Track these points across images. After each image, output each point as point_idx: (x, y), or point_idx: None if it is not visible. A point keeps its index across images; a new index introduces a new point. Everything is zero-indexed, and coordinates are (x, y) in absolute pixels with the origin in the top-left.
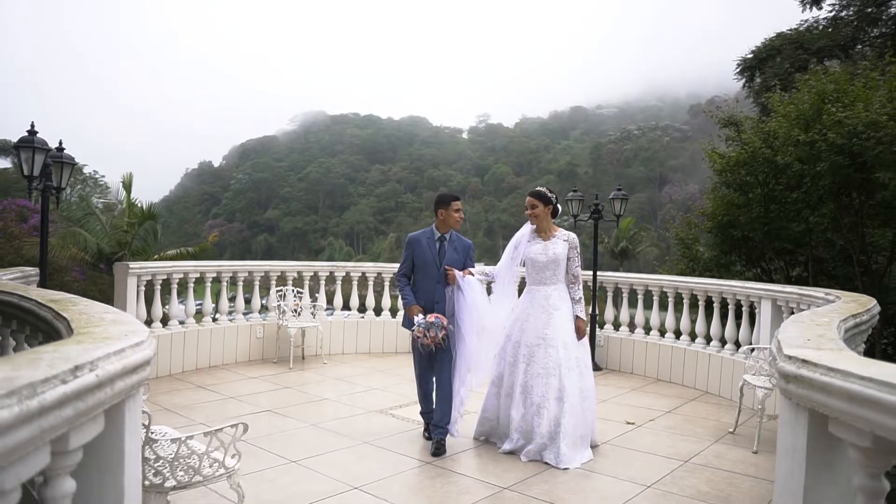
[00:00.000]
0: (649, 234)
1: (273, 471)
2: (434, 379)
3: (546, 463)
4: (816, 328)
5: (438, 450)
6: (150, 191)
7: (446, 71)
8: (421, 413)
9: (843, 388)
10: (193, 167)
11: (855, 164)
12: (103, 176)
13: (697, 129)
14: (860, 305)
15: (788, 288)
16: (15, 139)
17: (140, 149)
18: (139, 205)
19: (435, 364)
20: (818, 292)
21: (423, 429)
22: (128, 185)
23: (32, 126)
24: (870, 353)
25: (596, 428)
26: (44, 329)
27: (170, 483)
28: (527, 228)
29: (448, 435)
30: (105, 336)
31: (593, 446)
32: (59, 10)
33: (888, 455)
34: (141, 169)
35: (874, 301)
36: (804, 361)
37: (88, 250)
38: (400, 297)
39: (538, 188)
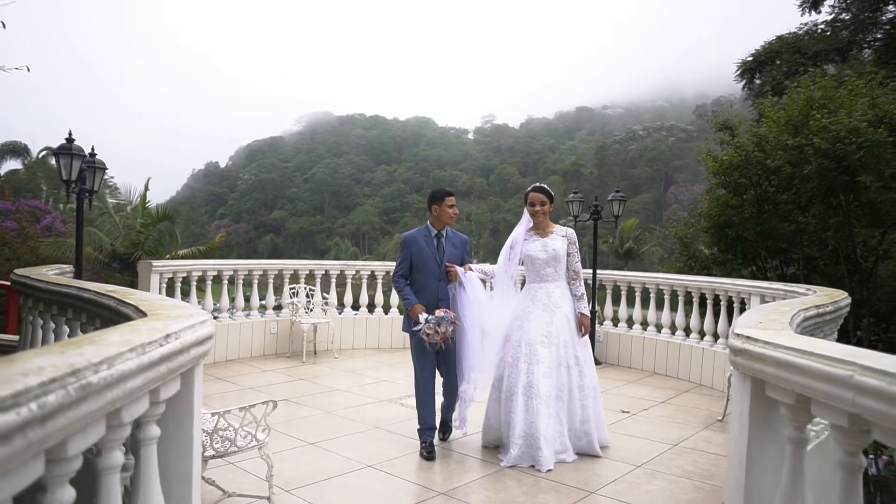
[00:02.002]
0: (654, 234)
1: (292, 451)
2: (441, 377)
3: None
4: (774, 315)
5: (445, 433)
6: (158, 192)
7: (452, 71)
8: (420, 430)
9: (774, 356)
10: (200, 168)
11: (840, 167)
12: (112, 177)
13: (703, 130)
14: (828, 298)
15: (775, 284)
16: (21, 141)
17: (147, 150)
18: (154, 206)
19: (442, 361)
20: (800, 288)
21: (420, 447)
22: (146, 188)
23: (70, 134)
24: (859, 344)
25: (604, 425)
26: (103, 315)
27: (209, 452)
28: (521, 227)
29: (456, 428)
30: (175, 315)
31: (603, 446)
32: (60, 12)
33: (807, 411)
34: (148, 170)
35: (844, 294)
36: (748, 338)
37: (103, 250)
38: (400, 298)
39: (542, 185)
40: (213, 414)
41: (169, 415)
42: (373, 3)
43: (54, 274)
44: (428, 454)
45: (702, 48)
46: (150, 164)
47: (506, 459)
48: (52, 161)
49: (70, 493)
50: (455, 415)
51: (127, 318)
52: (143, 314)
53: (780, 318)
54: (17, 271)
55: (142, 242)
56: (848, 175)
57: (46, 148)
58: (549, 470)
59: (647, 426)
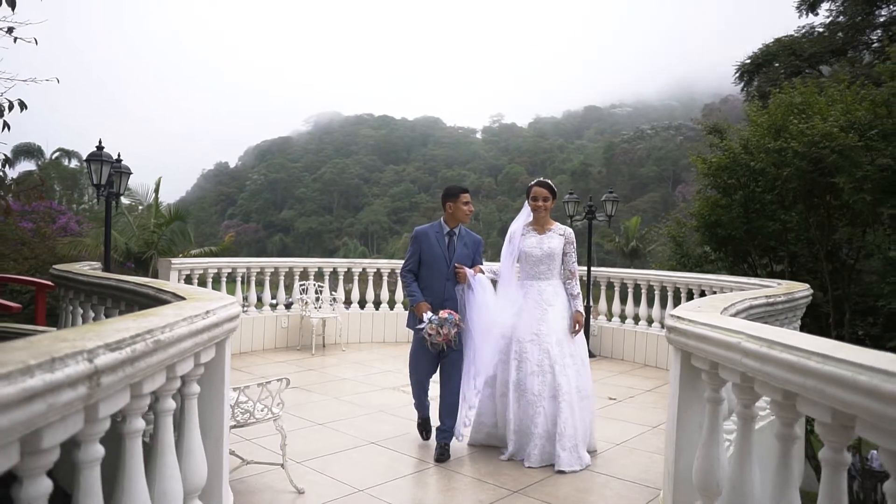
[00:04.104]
0: (660, 232)
1: (303, 430)
2: (440, 381)
3: (548, 465)
4: (716, 302)
5: (443, 455)
6: (168, 192)
7: (460, 71)
8: (417, 420)
9: (694, 331)
10: (210, 168)
11: (817, 169)
12: None
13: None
14: (784, 290)
15: (753, 280)
16: (35, 143)
17: (157, 151)
18: (165, 206)
19: (443, 365)
20: (772, 282)
21: (415, 426)
22: (156, 189)
23: (100, 142)
24: (840, 338)
25: (594, 431)
26: (141, 303)
27: (231, 423)
28: (520, 221)
29: (454, 438)
30: (209, 298)
31: (590, 451)
32: (64, 16)
33: (717, 375)
34: (158, 171)
35: (803, 288)
36: (678, 317)
37: (117, 249)
38: (405, 293)
39: (546, 180)
40: (234, 389)
41: (206, 377)
42: (381, 3)
43: (88, 269)
44: (426, 434)
45: (711, 46)
46: (160, 165)
47: (505, 454)
48: (66, 162)
49: (142, 423)
50: (457, 421)
51: (166, 303)
52: (182, 298)
53: (719, 305)
54: (56, 267)
55: (155, 242)
56: (824, 177)
57: (59, 149)
58: (531, 466)
59: (631, 411)
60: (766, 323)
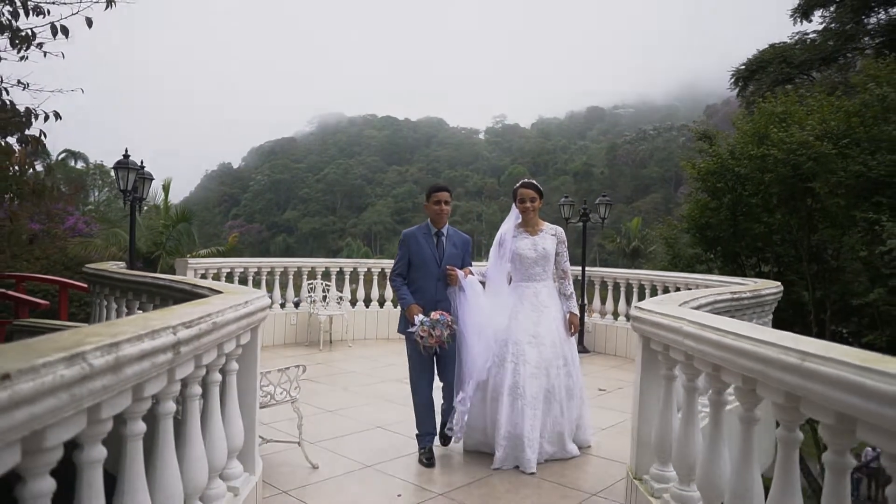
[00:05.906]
0: (655, 234)
1: (313, 416)
2: (440, 381)
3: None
4: (682, 297)
5: (445, 441)
6: (172, 193)
7: (463, 72)
8: (419, 435)
9: (651, 319)
10: (213, 169)
11: (796, 175)
12: None
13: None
14: (751, 288)
15: (736, 279)
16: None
17: (160, 152)
18: (174, 207)
19: (439, 367)
20: (749, 281)
21: (419, 453)
22: (166, 189)
23: (126, 151)
24: (820, 335)
25: (589, 427)
26: (176, 297)
27: None
28: (510, 223)
29: (448, 433)
30: (243, 292)
31: (584, 446)
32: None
33: (669, 356)
34: (161, 171)
35: (773, 285)
36: (640, 308)
37: (127, 249)
38: (397, 298)
39: (532, 181)
40: None
41: (243, 357)
42: (384, 4)
43: (116, 268)
44: (427, 461)
45: (714, 47)
46: (163, 165)
47: (494, 462)
48: (72, 163)
49: (199, 389)
50: (451, 422)
51: (201, 296)
52: (219, 292)
53: (680, 299)
54: (89, 266)
55: (163, 242)
56: (803, 182)
57: (65, 150)
58: (533, 473)
59: (618, 400)
60: (732, 317)
